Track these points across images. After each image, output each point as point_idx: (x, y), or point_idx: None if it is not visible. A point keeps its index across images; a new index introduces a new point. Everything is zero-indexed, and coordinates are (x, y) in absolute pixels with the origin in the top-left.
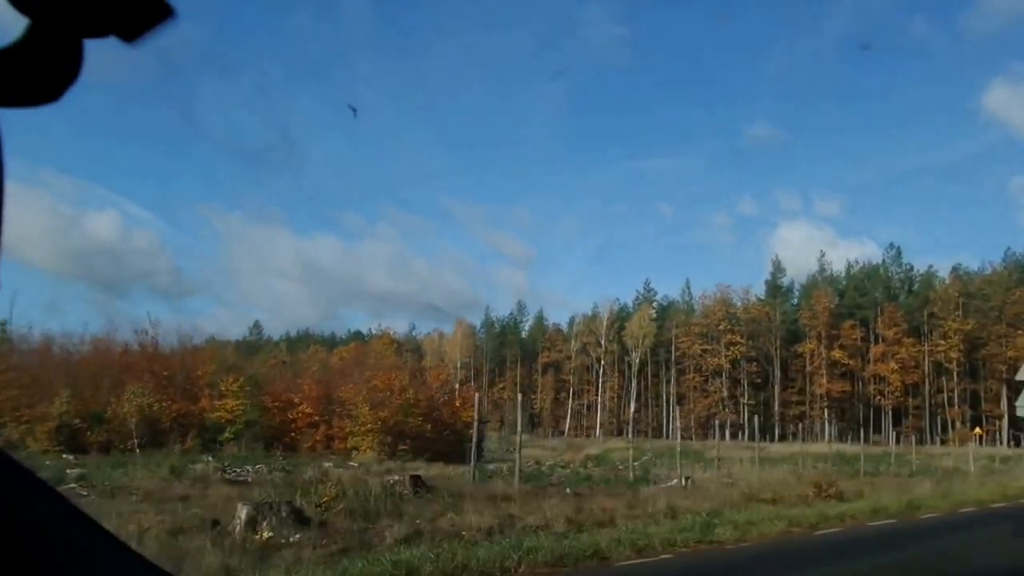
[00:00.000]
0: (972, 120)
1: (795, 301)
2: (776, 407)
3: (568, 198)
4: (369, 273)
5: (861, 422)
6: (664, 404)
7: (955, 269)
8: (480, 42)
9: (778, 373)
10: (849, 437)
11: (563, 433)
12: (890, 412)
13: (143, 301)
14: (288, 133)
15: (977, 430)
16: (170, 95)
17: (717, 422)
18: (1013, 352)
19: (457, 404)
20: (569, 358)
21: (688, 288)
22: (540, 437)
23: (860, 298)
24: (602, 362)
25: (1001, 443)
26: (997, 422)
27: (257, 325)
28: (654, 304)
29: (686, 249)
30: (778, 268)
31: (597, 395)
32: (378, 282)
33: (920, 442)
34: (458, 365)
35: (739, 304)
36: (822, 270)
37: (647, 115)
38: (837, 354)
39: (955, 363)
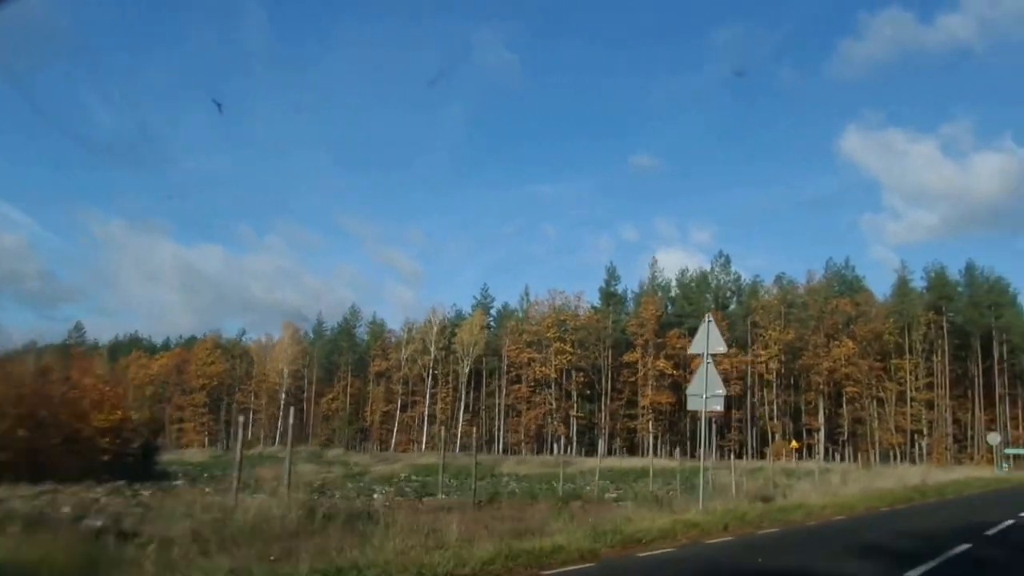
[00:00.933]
0: (831, 160)
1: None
2: (604, 419)
3: (462, 218)
4: (254, 284)
5: (688, 435)
6: (498, 416)
7: (779, 278)
8: (379, 61)
9: (607, 384)
10: (665, 451)
11: (390, 447)
12: (714, 425)
13: (7, 307)
14: (177, 144)
15: (793, 443)
16: (58, 103)
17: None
18: (829, 363)
19: (94, 406)
20: (399, 366)
21: (527, 295)
22: (357, 452)
23: (688, 307)
24: (430, 371)
25: (817, 456)
26: (816, 435)
27: (78, 327)
28: (491, 311)
29: (568, 270)
30: (612, 275)
31: (425, 406)
32: (262, 293)
33: (741, 456)
34: (285, 372)
35: (570, 311)
36: (653, 278)
37: (540, 141)
38: (662, 364)
39: (775, 374)
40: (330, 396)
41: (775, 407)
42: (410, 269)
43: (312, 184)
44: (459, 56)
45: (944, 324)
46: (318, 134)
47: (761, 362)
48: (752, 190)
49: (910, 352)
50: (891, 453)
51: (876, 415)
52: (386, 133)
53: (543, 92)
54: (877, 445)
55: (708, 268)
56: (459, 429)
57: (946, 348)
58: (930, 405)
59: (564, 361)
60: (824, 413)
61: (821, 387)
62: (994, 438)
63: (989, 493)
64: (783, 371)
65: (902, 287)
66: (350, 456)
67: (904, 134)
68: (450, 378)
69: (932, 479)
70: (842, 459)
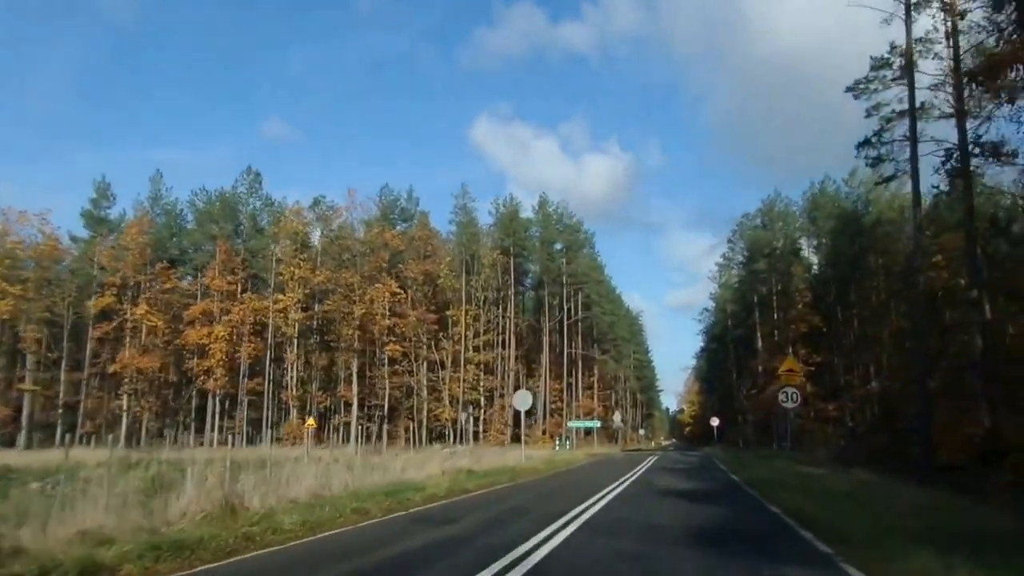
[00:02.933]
0: (463, 148)
1: None
2: (62, 392)
3: (68, 181)
4: None
5: (194, 414)
6: None
7: (317, 202)
8: None
9: (71, 342)
10: (172, 436)
11: None
12: (220, 398)
13: None
14: None
15: (310, 422)
16: None
17: None
18: (363, 309)
19: None
20: None
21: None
22: None
23: (201, 236)
24: None
25: (348, 440)
26: (349, 410)
27: None
28: None
29: None
30: (103, 194)
31: None
32: None
33: (255, 440)
34: None
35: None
36: (157, 197)
37: (166, 100)
38: (142, 311)
39: (297, 327)
40: None
41: (295, 371)
42: None
43: None
44: None
45: (512, 269)
46: None
47: (280, 311)
48: (390, 171)
49: (469, 302)
50: (445, 431)
51: (426, 382)
52: None
53: (171, 51)
54: (426, 421)
55: (232, 188)
56: None
57: (513, 298)
58: (491, 370)
59: (8, 309)
60: (358, 380)
61: (355, 344)
62: (523, 400)
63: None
64: (315, 325)
65: (465, 219)
66: None
67: (529, 129)
68: None
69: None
70: (397, 440)
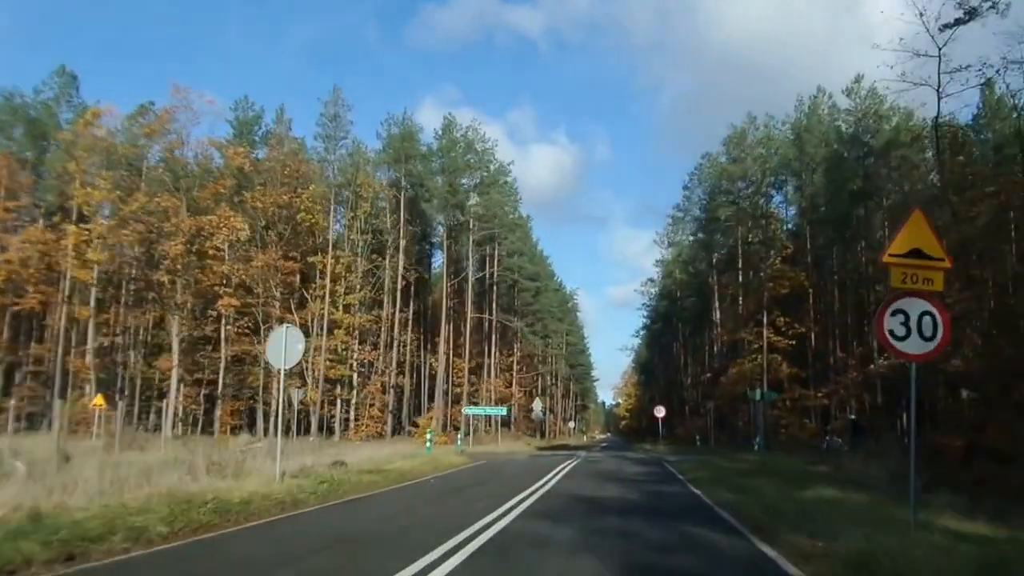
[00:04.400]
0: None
1: None
2: None
3: None
4: None
5: None
6: None
7: (143, 110)
8: None
9: None
10: None
11: None
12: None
13: None
14: None
15: (98, 400)
16: None
17: None
18: (180, 245)
19: None
20: None
21: None
22: None
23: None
24: None
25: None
26: (169, 381)
27: None
28: None
29: None
30: None
31: None
32: None
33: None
34: None
35: None
36: None
37: (96, 74)
38: None
39: (96, 270)
40: None
41: (91, 331)
42: None
43: None
44: None
45: (402, 207)
46: None
47: (74, 248)
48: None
49: (342, 247)
50: (300, 417)
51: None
52: None
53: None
54: (279, 404)
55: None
56: None
57: (401, 244)
58: (366, 339)
59: None
60: (180, 346)
61: (176, 297)
62: (274, 349)
63: None
64: (133, 268)
65: (337, 134)
66: None
67: (476, 115)
68: None
69: None
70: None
